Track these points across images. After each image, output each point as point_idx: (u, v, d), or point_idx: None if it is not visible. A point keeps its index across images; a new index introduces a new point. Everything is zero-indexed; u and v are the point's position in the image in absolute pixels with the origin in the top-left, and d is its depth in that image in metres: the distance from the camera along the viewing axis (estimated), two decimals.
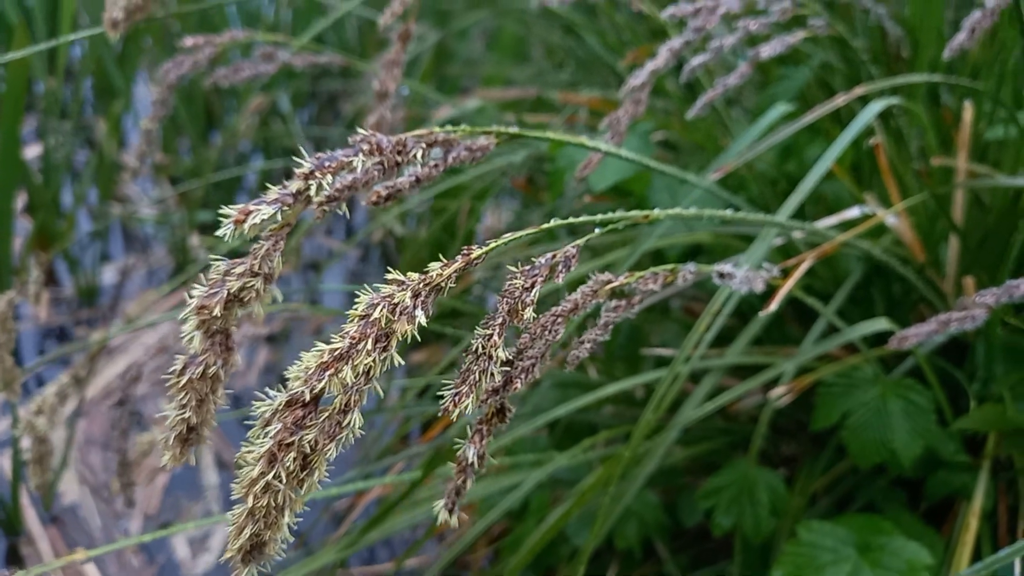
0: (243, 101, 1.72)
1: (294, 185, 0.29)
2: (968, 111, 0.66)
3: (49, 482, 0.98)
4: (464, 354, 0.32)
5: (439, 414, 0.30)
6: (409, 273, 0.29)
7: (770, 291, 0.51)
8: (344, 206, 0.32)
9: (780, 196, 0.76)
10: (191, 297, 0.29)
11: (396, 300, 0.28)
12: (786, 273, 0.50)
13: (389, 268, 0.29)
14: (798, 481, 0.78)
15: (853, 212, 0.64)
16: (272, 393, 0.28)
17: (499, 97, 0.87)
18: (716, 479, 0.68)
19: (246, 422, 0.30)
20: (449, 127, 0.34)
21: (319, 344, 0.27)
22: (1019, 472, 0.66)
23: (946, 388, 0.70)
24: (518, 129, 0.37)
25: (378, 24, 0.51)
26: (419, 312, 0.28)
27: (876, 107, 0.54)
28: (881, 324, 0.58)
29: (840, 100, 0.56)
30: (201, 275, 0.30)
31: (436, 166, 0.35)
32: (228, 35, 0.60)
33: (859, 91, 0.57)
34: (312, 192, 0.29)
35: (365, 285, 0.28)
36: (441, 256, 0.31)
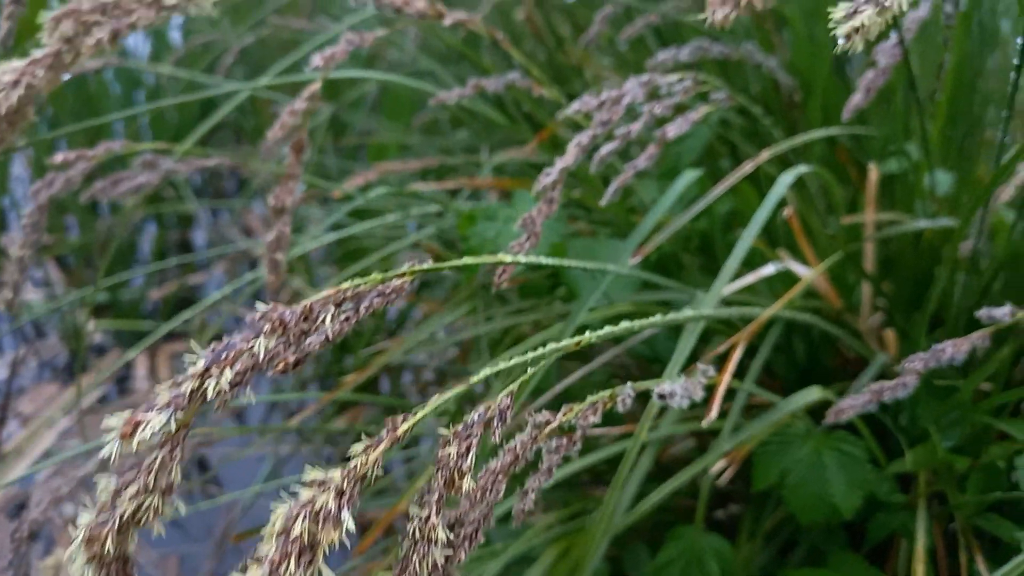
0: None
1: (187, 384, 0.26)
2: (874, 171, 0.67)
3: None
4: (401, 537, 0.29)
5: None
6: (330, 472, 0.26)
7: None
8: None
9: (694, 252, 0.76)
10: (77, 527, 0.25)
11: (318, 506, 0.25)
12: (721, 361, 0.49)
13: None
14: (743, 529, 0.78)
15: (769, 269, 0.65)
16: None
17: (400, 169, 0.84)
18: (665, 553, 0.67)
19: None
20: (358, 280, 0.31)
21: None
22: (954, 508, 0.67)
23: (871, 425, 0.71)
24: (432, 263, 0.34)
25: (269, 131, 0.48)
26: (346, 513, 0.25)
27: (788, 178, 0.55)
28: (814, 394, 0.58)
29: (748, 167, 0.56)
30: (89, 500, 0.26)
31: (347, 319, 0.32)
32: (103, 147, 0.55)
33: (765, 155, 0.57)
34: (210, 391, 0.26)
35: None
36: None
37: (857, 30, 0.32)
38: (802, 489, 0.64)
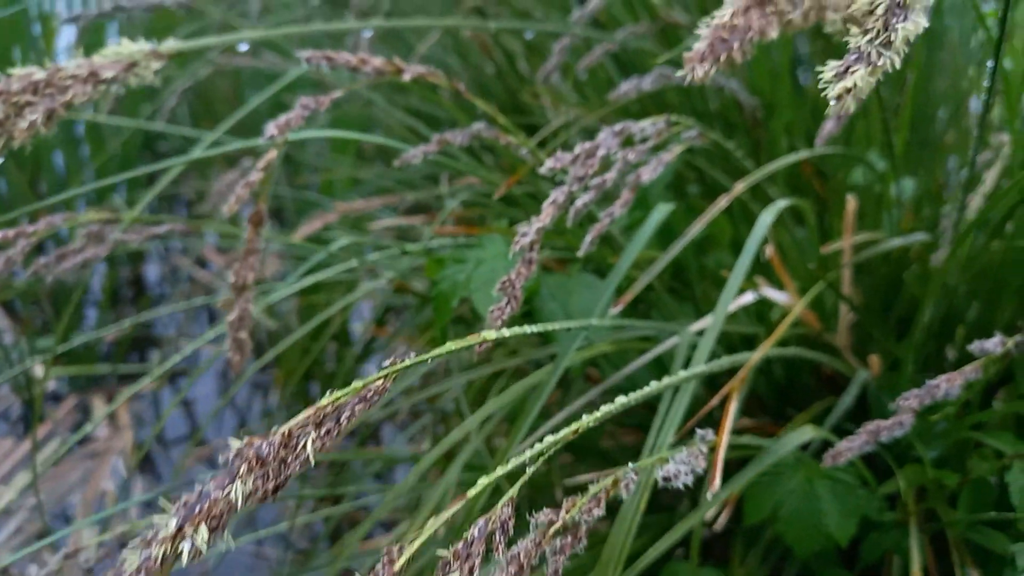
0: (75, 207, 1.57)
1: (158, 548, 0.23)
2: (851, 202, 0.67)
3: None
4: None
5: None
6: None
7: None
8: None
9: (665, 276, 0.75)
10: None
11: None
12: (717, 422, 0.48)
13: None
14: (735, 555, 0.77)
15: (747, 298, 0.63)
16: None
17: (363, 208, 0.81)
18: None
19: None
20: (338, 393, 0.29)
21: None
22: (946, 525, 0.66)
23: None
24: (415, 357, 0.32)
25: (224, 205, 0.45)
26: None
27: (768, 218, 0.53)
28: (807, 434, 0.57)
29: (723, 202, 0.55)
30: None
31: (328, 432, 0.29)
32: (44, 222, 0.52)
33: (740, 187, 0.56)
34: (184, 553, 0.23)
35: None
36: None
37: (849, 90, 0.31)
38: (797, 521, 0.62)
